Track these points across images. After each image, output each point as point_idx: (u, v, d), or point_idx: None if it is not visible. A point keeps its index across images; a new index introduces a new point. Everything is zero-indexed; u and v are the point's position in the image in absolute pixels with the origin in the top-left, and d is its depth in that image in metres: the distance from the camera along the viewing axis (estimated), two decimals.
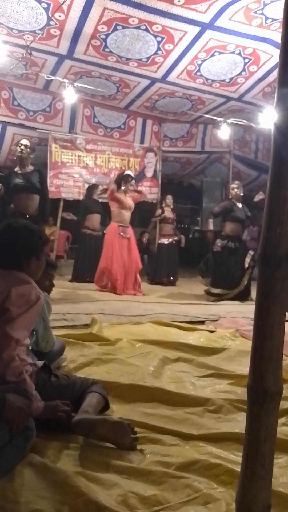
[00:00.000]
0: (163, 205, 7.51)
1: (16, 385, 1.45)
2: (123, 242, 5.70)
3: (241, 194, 5.76)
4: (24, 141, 4.62)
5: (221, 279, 5.51)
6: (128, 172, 6.17)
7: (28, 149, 4.54)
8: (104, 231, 6.15)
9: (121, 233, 5.71)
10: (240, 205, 5.74)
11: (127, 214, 5.79)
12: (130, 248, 5.76)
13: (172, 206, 7.47)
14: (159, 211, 7.49)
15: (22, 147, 4.52)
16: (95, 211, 6.92)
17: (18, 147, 4.55)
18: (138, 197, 6.09)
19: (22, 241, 1.66)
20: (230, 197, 5.87)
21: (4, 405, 1.33)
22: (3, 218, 4.56)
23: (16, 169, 4.61)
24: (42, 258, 1.73)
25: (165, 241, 7.36)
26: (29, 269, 1.66)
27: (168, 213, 7.43)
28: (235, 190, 5.79)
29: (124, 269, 5.60)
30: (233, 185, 5.90)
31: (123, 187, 5.76)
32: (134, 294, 5.53)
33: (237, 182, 6.10)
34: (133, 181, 5.91)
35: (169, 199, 7.47)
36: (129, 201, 5.79)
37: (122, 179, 5.81)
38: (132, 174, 6.11)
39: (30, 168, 4.60)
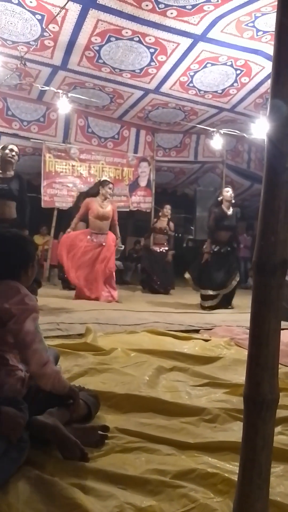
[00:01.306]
0: (160, 214, 7.49)
1: (10, 398, 1.46)
2: (92, 248, 5.62)
3: (233, 201, 5.71)
4: (13, 147, 4.49)
5: (208, 281, 5.52)
6: (104, 177, 6.15)
7: (17, 156, 4.49)
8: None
9: (93, 240, 5.63)
10: (230, 212, 5.67)
11: (100, 222, 5.67)
12: (100, 254, 5.63)
13: (169, 216, 7.44)
14: (154, 220, 7.49)
15: (14, 153, 4.43)
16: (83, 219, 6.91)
17: (6, 151, 4.41)
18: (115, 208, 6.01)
19: (19, 251, 1.65)
20: (220, 200, 5.68)
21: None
22: None
23: None
24: (36, 264, 1.74)
25: (157, 248, 7.37)
26: (26, 277, 1.66)
27: (161, 223, 7.41)
28: (228, 194, 5.62)
29: (91, 274, 5.54)
30: (226, 189, 5.74)
31: (101, 192, 5.66)
32: (110, 301, 5.49)
33: (229, 186, 5.99)
34: (111, 185, 5.80)
35: (167, 208, 7.39)
36: (102, 210, 5.65)
37: (100, 185, 5.73)
38: (109, 180, 6.02)
39: (11, 173, 4.52)
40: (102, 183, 5.71)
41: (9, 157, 4.38)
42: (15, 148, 4.51)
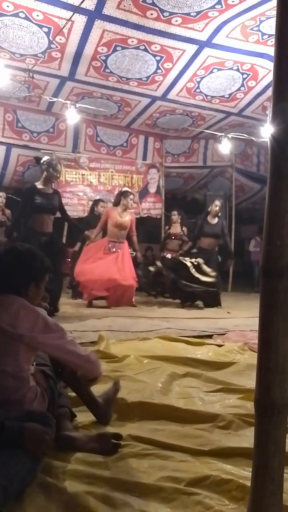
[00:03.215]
0: (172, 221, 7.49)
1: (39, 413, 1.47)
2: (111, 256, 5.72)
3: (220, 214, 6.26)
4: (58, 165, 4.89)
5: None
6: (125, 188, 6.30)
7: (59, 174, 4.87)
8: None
9: (111, 248, 5.76)
10: (215, 221, 6.19)
11: (118, 231, 5.78)
12: (121, 262, 5.73)
13: (179, 221, 7.42)
14: (166, 227, 7.48)
15: (57, 173, 4.80)
16: (96, 225, 6.94)
17: (51, 169, 4.66)
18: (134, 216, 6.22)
19: (22, 266, 1.62)
20: (208, 211, 6.26)
21: (23, 435, 1.32)
22: (19, 236, 4.80)
23: (40, 186, 4.67)
24: (41, 286, 1.68)
25: (168, 255, 7.34)
26: (27, 296, 1.61)
27: (175, 229, 7.40)
28: (216, 207, 6.18)
29: (111, 282, 5.53)
30: (216, 203, 6.22)
31: (123, 202, 5.76)
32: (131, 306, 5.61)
33: (220, 199, 6.49)
34: (132, 195, 5.96)
35: (174, 215, 7.41)
36: (121, 219, 5.76)
37: (121, 195, 5.85)
38: (130, 191, 6.18)
39: (51, 189, 4.82)
40: (124, 194, 5.85)
41: (54, 175, 4.76)
42: (59, 168, 4.94)
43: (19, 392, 1.52)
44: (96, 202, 6.96)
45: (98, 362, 1.75)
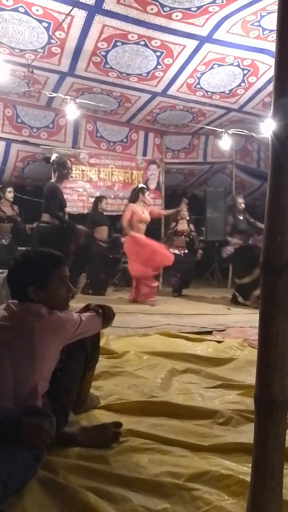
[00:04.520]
0: (178, 217, 7.40)
1: (37, 409, 1.44)
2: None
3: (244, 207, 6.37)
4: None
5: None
6: (141, 184, 6.46)
7: None
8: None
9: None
10: (241, 217, 6.26)
11: (143, 226, 6.07)
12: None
13: (188, 218, 7.39)
14: (173, 224, 7.46)
15: (69, 169, 5.14)
16: (103, 223, 6.95)
17: (64, 166, 5.01)
18: (156, 214, 6.55)
19: (17, 271, 1.61)
20: (235, 208, 6.31)
21: (20, 429, 1.32)
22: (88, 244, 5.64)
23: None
24: (48, 286, 1.59)
25: (177, 251, 7.26)
26: (35, 300, 1.56)
27: (182, 225, 7.32)
28: (242, 205, 6.31)
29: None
30: (240, 200, 6.33)
31: (141, 199, 6.00)
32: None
33: (241, 195, 6.61)
34: (148, 191, 6.23)
35: (185, 210, 7.28)
36: (144, 215, 6.02)
37: (140, 191, 6.05)
38: (146, 186, 6.39)
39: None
40: (142, 190, 6.07)
41: (66, 174, 5.10)
42: (69, 164, 5.23)
43: (29, 400, 1.48)
44: (100, 199, 6.95)
45: (94, 322, 1.73)
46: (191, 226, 7.36)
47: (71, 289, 1.67)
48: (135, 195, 6.08)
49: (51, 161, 4.87)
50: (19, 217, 6.78)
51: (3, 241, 6.40)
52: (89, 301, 1.94)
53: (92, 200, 7.23)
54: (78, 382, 1.72)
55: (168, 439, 1.65)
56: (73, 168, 7.40)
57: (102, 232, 6.91)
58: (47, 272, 1.59)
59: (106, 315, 1.76)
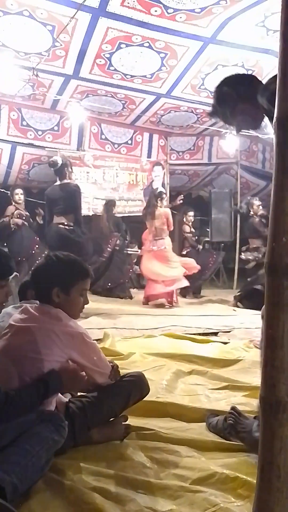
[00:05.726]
0: (184, 220, 7.49)
1: (49, 414, 1.46)
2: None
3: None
4: None
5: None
6: (160, 189, 6.68)
7: None
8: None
9: (153, 247, 6.06)
10: (257, 219, 6.42)
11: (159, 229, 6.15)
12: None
13: (192, 221, 7.46)
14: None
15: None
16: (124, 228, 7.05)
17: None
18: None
19: (45, 271, 1.64)
20: (251, 213, 6.52)
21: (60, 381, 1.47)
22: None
23: None
24: (71, 293, 1.60)
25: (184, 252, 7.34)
26: (54, 302, 1.58)
27: (186, 228, 7.41)
28: (260, 207, 6.51)
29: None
30: (257, 203, 6.54)
31: (159, 204, 6.09)
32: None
33: (256, 198, 6.82)
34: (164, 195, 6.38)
35: (190, 215, 7.45)
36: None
37: (158, 197, 6.14)
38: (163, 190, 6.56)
39: None
40: (161, 195, 6.23)
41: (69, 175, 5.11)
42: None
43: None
44: (113, 203, 6.97)
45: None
46: (193, 231, 7.54)
47: (87, 302, 1.71)
48: (154, 199, 6.16)
49: (59, 164, 4.84)
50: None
51: None
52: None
53: (99, 202, 7.25)
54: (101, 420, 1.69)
55: (174, 439, 1.65)
56: (78, 171, 7.43)
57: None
58: (75, 279, 1.63)
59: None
